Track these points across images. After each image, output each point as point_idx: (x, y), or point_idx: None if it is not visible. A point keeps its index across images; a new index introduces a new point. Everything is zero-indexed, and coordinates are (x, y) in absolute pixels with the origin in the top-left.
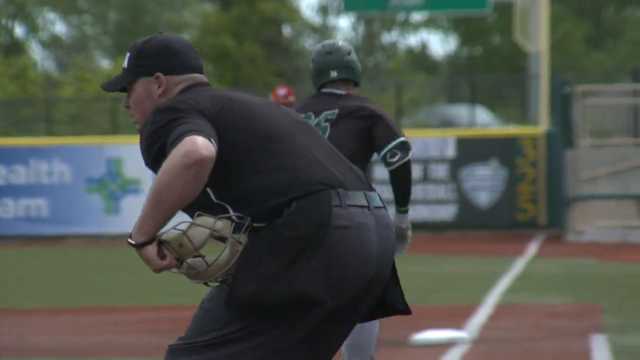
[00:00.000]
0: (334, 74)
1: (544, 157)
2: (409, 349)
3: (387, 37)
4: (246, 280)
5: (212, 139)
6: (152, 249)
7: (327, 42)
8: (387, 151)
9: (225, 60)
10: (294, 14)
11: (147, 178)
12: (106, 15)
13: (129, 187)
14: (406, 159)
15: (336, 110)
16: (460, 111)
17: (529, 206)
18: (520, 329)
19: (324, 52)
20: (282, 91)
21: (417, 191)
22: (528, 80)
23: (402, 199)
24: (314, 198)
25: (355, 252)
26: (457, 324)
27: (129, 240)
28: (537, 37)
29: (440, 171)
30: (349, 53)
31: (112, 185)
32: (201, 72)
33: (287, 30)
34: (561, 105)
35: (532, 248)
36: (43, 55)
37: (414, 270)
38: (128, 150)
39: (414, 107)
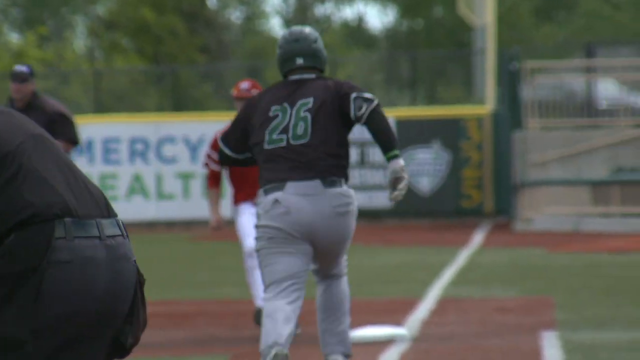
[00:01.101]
0: (300, 61)
1: (490, 139)
2: None
3: (321, 9)
4: None
5: None
6: None
7: (294, 28)
8: (352, 109)
9: (144, 33)
10: None
11: None
12: None
13: None
14: (372, 106)
15: (311, 99)
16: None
17: (475, 192)
18: (464, 325)
19: (291, 40)
20: (244, 84)
21: (354, 176)
22: (473, 56)
23: (387, 144)
24: (34, 230)
25: (76, 289)
26: (397, 320)
27: None
28: (482, 8)
29: (378, 155)
30: (316, 41)
31: None
32: None
33: (211, 1)
34: (509, 83)
35: (478, 237)
36: None
37: (350, 262)
38: None
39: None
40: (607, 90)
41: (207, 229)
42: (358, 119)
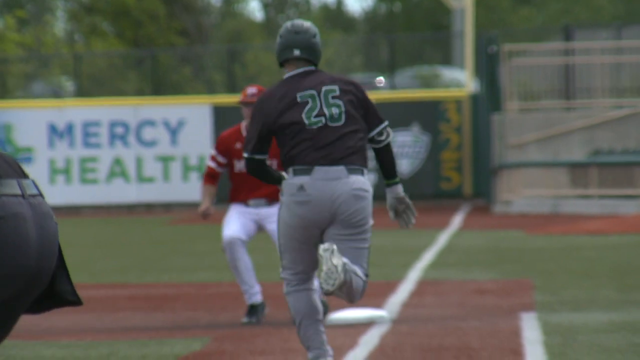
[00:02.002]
0: (297, 52)
1: (469, 121)
2: (325, 330)
3: None
4: None
5: None
6: None
7: (296, 21)
8: (376, 132)
9: (124, 17)
10: None
11: (40, 146)
12: None
13: (21, 155)
14: (390, 138)
15: (336, 87)
16: None
17: (454, 175)
18: (444, 307)
19: (292, 31)
20: (252, 90)
21: None
22: (452, 39)
23: (393, 170)
24: None
25: (12, 244)
26: (377, 302)
27: None
28: None
29: None
30: (314, 36)
31: None
32: None
33: None
34: (487, 66)
35: (457, 220)
36: None
37: None
38: (19, 116)
39: None
40: None
41: (196, 213)
42: (374, 142)
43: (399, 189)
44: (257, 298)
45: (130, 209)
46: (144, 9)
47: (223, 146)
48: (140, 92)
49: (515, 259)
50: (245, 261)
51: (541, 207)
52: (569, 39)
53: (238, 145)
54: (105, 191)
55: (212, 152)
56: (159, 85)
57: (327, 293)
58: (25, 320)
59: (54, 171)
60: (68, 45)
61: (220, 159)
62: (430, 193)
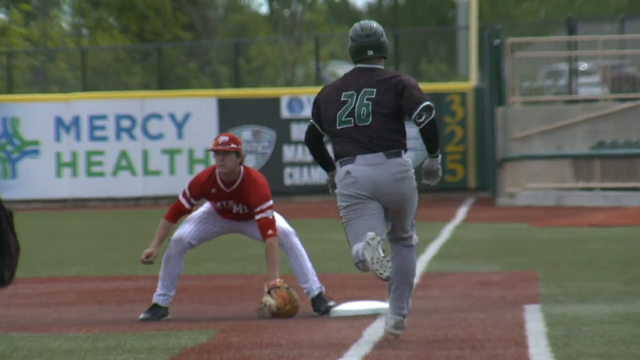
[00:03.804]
0: (370, 52)
1: (473, 114)
2: (330, 322)
3: None
4: None
5: None
6: None
7: (364, 24)
8: (415, 115)
9: (130, 11)
10: None
11: (46, 140)
12: None
13: (27, 148)
14: (431, 118)
15: (375, 89)
16: None
17: (458, 167)
18: (448, 299)
19: (363, 35)
20: (224, 138)
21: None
22: (456, 32)
23: (432, 148)
24: None
25: None
26: (381, 294)
27: None
28: None
29: None
30: (382, 35)
31: (9, 147)
32: None
33: None
34: (491, 59)
35: (462, 212)
36: None
37: (333, 238)
38: (26, 110)
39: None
40: None
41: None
42: (415, 123)
43: (434, 162)
44: (167, 302)
45: (137, 201)
46: (149, 3)
47: (198, 192)
48: (146, 86)
49: (520, 251)
50: (178, 266)
51: (545, 199)
52: (572, 32)
53: (214, 191)
54: (112, 184)
55: (186, 190)
56: (165, 78)
57: (386, 279)
58: (33, 312)
59: (60, 164)
60: (74, 39)
61: (193, 201)
62: (435, 186)
